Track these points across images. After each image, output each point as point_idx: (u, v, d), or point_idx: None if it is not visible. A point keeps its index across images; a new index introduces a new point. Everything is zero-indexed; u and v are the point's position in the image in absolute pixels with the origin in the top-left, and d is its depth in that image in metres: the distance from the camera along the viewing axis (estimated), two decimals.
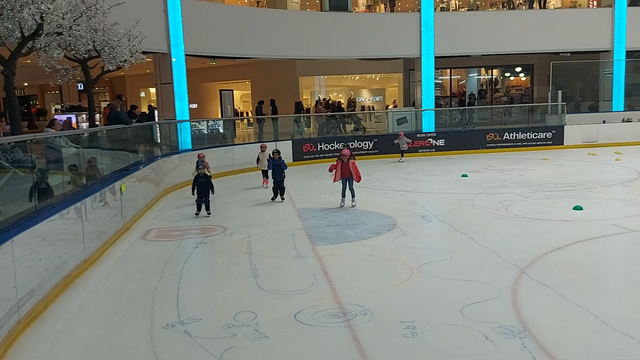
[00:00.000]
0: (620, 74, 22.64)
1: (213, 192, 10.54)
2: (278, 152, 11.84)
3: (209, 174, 10.66)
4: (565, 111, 21.72)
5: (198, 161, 11.11)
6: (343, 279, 6.51)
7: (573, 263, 6.92)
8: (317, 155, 19.00)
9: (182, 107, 17.51)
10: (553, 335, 4.78)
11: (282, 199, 11.67)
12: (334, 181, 10.82)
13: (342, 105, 25.07)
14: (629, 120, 21.64)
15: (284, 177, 11.56)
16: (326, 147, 19.30)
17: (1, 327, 4.77)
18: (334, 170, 10.74)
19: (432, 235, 8.97)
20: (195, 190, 10.35)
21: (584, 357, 4.44)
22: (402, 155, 18.79)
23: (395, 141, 18.53)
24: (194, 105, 23.95)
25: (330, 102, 25.12)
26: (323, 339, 4.88)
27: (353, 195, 10.75)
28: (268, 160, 12.47)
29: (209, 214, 10.39)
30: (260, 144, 14.71)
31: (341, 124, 21.78)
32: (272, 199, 11.68)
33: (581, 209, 9.76)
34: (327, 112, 22.04)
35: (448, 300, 5.68)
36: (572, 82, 25.06)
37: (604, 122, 21.61)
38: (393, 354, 4.58)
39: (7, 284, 4.97)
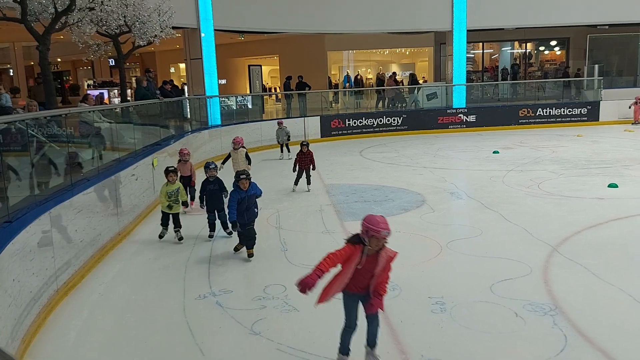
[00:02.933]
0: None
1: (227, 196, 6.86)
2: (247, 176, 6.39)
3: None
4: (602, 86, 21.07)
5: (208, 163, 7.59)
6: None
7: (607, 242, 6.78)
8: (345, 132, 18.92)
9: (212, 82, 17.58)
10: (585, 314, 4.72)
11: (251, 254, 6.51)
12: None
13: (416, 79, 24.76)
14: None
15: (256, 216, 6.55)
16: (354, 122, 19.19)
17: (41, 296, 4.94)
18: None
19: (462, 212, 8.88)
20: (204, 203, 7.38)
21: (617, 336, 4.37)
22: (285, 150, 14.66)
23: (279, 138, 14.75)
24: (223, 81, 24.02)
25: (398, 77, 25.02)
26: None
27: None
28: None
29: (229, 233, 7.25)
30: (235, 137, 10.29)
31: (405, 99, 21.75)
32: (235, 249, 6.77)
33: (616, 186, 9.53)
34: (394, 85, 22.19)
35: (477, 277, 5.65)
36: (610, 56, 24.25)
37: None
38: (421, 329, 4.59)
39: (45, 254, 5.14)
